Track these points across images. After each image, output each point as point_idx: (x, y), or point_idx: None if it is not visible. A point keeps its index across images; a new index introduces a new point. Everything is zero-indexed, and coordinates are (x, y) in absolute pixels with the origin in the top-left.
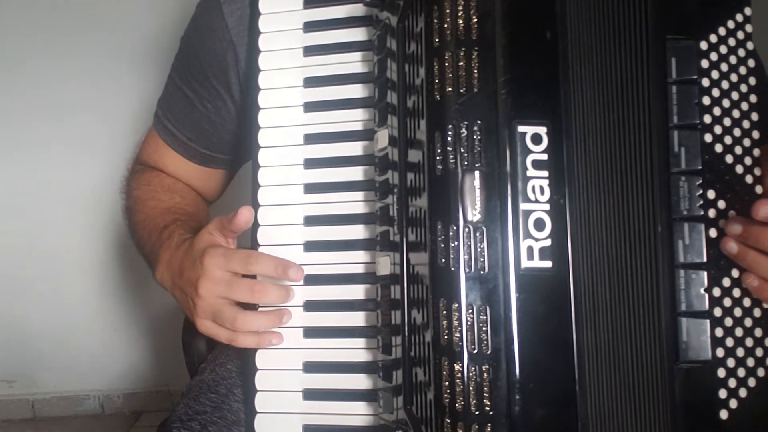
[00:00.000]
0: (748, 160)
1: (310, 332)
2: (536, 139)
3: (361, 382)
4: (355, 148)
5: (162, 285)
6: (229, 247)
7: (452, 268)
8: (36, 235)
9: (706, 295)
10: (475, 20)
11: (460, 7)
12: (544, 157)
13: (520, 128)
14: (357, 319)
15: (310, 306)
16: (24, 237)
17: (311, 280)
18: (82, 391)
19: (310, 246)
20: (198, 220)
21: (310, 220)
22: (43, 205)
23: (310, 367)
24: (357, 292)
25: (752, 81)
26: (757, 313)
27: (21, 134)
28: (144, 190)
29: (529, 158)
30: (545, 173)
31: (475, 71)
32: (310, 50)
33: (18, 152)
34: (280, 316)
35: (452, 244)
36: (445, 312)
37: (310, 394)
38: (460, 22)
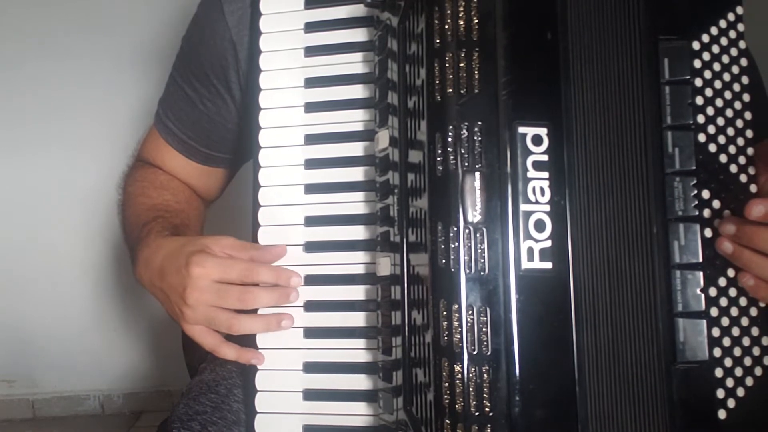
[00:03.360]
0: (742, 159)
1: (311, 332)
2: (537, 140)
3: (361, 382)
4: (356, 149)
5: (140, 283)
6: (219, 257)
7: (452, 269)
8: (36, 235)
9: (703, 296)
10: (476, 21)
11: (461, 8)
12: (545, 158)
13: (521, 129)
14: (357, 319)
15: (311, 306)
16: (24, 237)
17: (312, 280)
18: (82, 391)
19: (311, 246)
20: (185, 217)
21: (311, 221)
22: (44, 205)
23: (311, 368)
24: (357, 292)
25: (745, 80)
26: (753, 312)
27: (21, 134)
28: (137, 186)
29: (530, 159)
30: (546, 174)
31: (476, 72)
32: (311, 51)
33: (18, 153)
34: (277, 321)
35: (452, 245)
36: (445, 313)
37: (311, 395)
38: (461, 23)
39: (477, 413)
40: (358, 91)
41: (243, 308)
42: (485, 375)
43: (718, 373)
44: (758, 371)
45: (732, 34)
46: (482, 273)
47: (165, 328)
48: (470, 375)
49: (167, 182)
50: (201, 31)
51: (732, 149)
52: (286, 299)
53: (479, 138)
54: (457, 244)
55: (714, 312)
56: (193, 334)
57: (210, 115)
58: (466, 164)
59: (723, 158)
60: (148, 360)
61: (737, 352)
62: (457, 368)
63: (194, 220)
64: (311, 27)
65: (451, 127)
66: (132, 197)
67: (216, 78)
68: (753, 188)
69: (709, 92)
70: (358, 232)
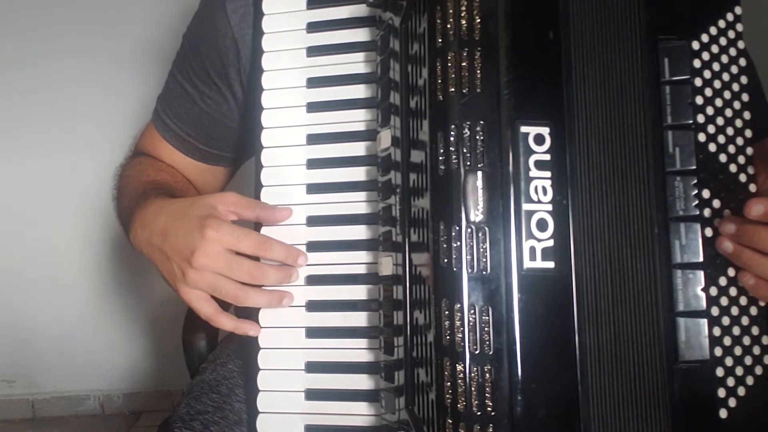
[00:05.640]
0: (741, 159)
1: (313, 332)
2: (539, 139)
3: (363, 382)
4: (358, 149)
5: (133, 243)
6: (230, 222)
7: (454, 269)
8: (36, 236)
9: (703, 295)
10: (478, 20)
11: (463, 8)
12: (547, 157)
13: (523, 129)
14: (359, 319)
15: (313, 306)
16: (24, 237)
17: (314, 280)
18: (82, 391)
19: (313, 246)
20: (182, 194)
21: (313, 221)
22: (44, 205)
23: (313, 367)
24: (359, 292)
25: (744, 80)
26: (753, 311)
27: (21, 134)
28: (135, 169)
29: (532, 159)
30: (548, 174)
31: (478, 71)
32: (313, 51)
33: (18, 152)
34: (279, 297)
35: (454, 245)
36: (447, 312)
37: (313, 394)
38: (463, 22)
39: (479, 413)
40: (360, 91)
41: (251, 283)
42: (487, 375)
43: (719, 372)
44: (759, 370)
45: (731, 34)
46: (484, 272)
47: (165, 328)
48: (472, 375)
49: (166, 167)
50: (202, 29)
51: (731, 149)
52: (289, 279)
53: (481, 137)
54: (459, 243)
55: (715, 311)
56: (190, 298)
57: (210, 112)
58: (468, 164)
59: (723, 158)
60: (148, 360)
61: (738, 351)
62: (459, 368)
63: None
64: (313, 27)
65: (453, 126)
66: (129, 178)
67: (217, 76)
68: (752, 188)
69: (708, 92)
70: (360, 232)
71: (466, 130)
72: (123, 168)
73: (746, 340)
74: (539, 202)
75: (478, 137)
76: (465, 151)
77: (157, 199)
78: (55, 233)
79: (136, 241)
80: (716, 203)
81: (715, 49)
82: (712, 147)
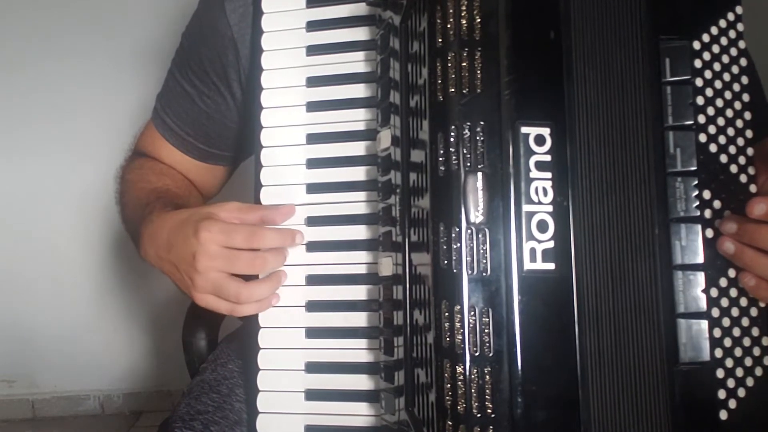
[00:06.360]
0: (742, 160)
1: (313, 332)
2: (539, 140)
3: (363, 382)
4: (358, 148)
5: (146, 260)
6: (227, 222)
7: (454, 270)
8: (36, 236)
9: (704, 296)
10: (479, 20)
11: (464, 7)
12: (548, 158)
13: (524, 129)
14: (359, 319)
15: (313, 306)
16: (24, 237)
17: (314, 280)
18: (82, 391)
19: (313, 246)
20: (185, 201)
21: (313, 221)
22: (44, 205)
23: (313, 368)
24: (359, 292)
25: (745, 80)
26: (753, 312)
27: (21, 135)
28: (136, 173)
29: (533, 159)
30: (548, 174)
31: (478, 72)
32: (312, 50)
33: (18, 153)
34: (278, 279)
35: (454, 246)
36: (447, 314)
37: (312, 395)
38: (464, 22)
39: (479, 414)
40: (360, 91)
41: (252, 273)
42: (487, 376)
43: (720, 373)
44: (759, 371)
45: (732, 33)
46: (484, 274)
47: (165, 328)
48: (472, 376)
49: (167, 170)
50: (201, 28)
51: (732, 149)
52: (291, 242)
53: (482, 138)
54: (459, 244)
55: (715, 313)
56: (207, 303)
57: (209, 112)
58: (469, 164)
59: (723, 158)
60: (148, 360)
61: (738, 352)
62: (458, 369)
63: (194, 206)
64: (313, 26)
65: (453, 126)
66: (132, 183)
67: (216, 75)
68: (753, 188)
69: (709, 92)
70: (360, 232)
71: (467, 131)
72: (124, 171)
73: (746, 342)
74: (540, 203)
75: (478, 138)
76: (465, 151)
77: (161, 213)
78: (55, 233)
79: (147, 257)
80: (717, 204)
81: (716, 48)
82: (713, 148)
